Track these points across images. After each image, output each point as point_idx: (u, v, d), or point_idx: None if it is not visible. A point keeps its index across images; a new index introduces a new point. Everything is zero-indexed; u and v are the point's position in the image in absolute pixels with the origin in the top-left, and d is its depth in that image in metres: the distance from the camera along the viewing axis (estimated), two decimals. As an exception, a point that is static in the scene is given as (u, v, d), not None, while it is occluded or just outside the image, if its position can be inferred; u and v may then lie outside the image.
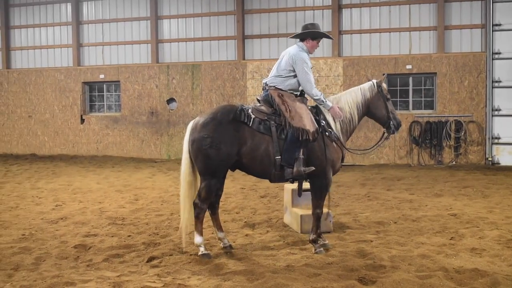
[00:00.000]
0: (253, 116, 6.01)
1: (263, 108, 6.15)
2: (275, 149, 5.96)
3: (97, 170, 14.19)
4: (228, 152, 5.90)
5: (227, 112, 5.99)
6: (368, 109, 6.48)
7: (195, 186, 6.14)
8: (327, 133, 6.13)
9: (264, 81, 6.36)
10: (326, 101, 6.19)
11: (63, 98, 18.36)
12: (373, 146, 6.91)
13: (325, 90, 15.39)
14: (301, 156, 5.94)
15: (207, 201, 6.05)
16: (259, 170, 6.10)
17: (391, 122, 6.45)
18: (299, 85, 6.20)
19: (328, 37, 6.54)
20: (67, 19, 18.62)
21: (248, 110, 6.05)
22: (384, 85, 6.59)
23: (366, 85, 6.51)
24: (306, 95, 6.27)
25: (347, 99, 6.39)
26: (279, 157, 5.95)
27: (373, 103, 6.46)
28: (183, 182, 6.11)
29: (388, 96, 6.54)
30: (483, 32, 14.68)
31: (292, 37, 6.49)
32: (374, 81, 6.55)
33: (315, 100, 6.19)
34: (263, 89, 6.37)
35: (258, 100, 6.35)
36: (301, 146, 5.94)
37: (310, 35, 6.31)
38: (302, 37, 6.33)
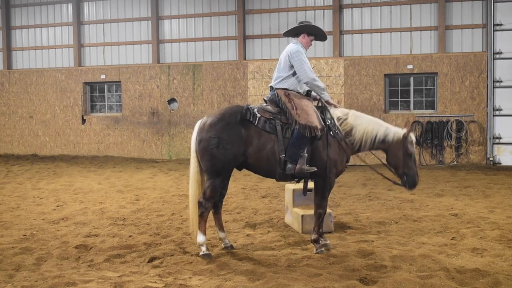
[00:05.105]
0: (258, 115, 6.06)
1: (269, 107, 6.20)
2: (280, 148, 5.98)
3: (98, 171, 14.19)
4: (235, 153, 5.95)
5: (234, 113, 6.05)
6: (386, 153, 6.22)
7: (204, 185, 6.18)
8: (331, 133, 6.14)
9: (270, 85, 6.44)
10: (325, 92, 6.20)
11: (64, 98, 18.37)
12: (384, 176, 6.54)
13: (326, 90, 15.37)
14: (306, 154, 5.95)
15: (212, 200, 6.08)
16: (265, 169, 6.13)
17: (404, 178, 6.14)
18: (299, 81, 6.22)
19: (323, 34, 6.54)
20: (68, 20, 18.63)
21: (254, 109, 6.12)
22: (412, 138, 6.16)
23: (393, 128, 6.23)
24: (304, 82, 6.17)
25: (367, 127, 6.15)
26: (284, 155, 5.97)
27: (391, 151, 6.15)
28: (192, 182, 6.16)
29: (410, 151, 6.08)
30: (484, 32, 14.67)
31: (287, 32, 6.48)
32: (404, 130, 6.16)
33: (314, 86, 6.13)
34: (270, 90, 6.43)
35: (265, 101, 6.39)
36: (306, 143, 5.95)
37: (306, 29, 6.37)
38: (297, 31, 6.39)
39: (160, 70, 17.27)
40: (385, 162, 6.38)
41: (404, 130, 6.16)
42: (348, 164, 6.50)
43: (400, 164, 6.15)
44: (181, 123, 17.05)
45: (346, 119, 6.22)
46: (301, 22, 6.47)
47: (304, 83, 6.19)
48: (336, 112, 6.31)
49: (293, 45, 6.30)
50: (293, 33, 6.44)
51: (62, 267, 5.67)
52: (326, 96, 6.25)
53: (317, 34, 6.49)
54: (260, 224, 7.64)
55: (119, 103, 18.09)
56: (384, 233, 7.00)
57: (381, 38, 15.59)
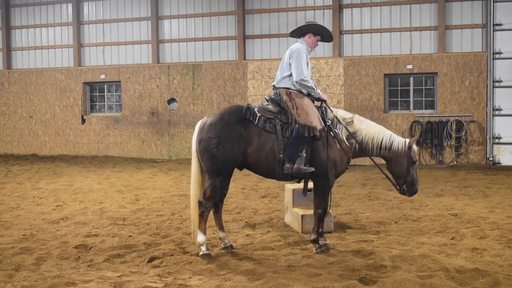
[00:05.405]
0: (258, 115, 6.07)
1: (269, 107, 6.20)
2: (280, 147, 5.98)
3: (98, 171, 14.19)
4: (234, 152, 5.96)
5: (234, 113, 6.06)
6: (388, 161, 6.26)
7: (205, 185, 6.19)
8: (332, 133, 6.13)
9: (273, 84, 6.44)
10: (316, 89, 6.18)
11: (64, 98, 18.37)
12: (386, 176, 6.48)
13: (326, 90, 15.39)
14: (304, 154, 5.95)
15: (212, 200, 6.10)
16: (265, 169, 6.13)
17: (404, 186, 6.22)
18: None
19: (329, 35, 6.51)
20: (67, 19, 18.62)
21: (254, 108, 6.12)
22: (415, 148, 6.25)
23: (397, 137, 6.26)
24: (295, 81, 6.12)
25: (373, 132, 6.18)
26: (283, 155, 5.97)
27: (396, 159, 6.17)
28: (193, 182, 6.19)
29: (414, 160, 6.20)
30: (483, 32, 14.67)
31: (293, 32, 6.43)
32: (407, 140, 6.23)
33: (303, 86, 6.10)
34: (273, 89, 6.41)
35: (267, 100, 6.38)
36: (305, 143, 5.95)
37: (311, 29, 6.33)
38: (303, 31, 6.36)
39: (160, 70, 17.27)
40: (379, 167, 6.37)
41: (408, 140, 6.20)
42: (349, 164, 6.49)
43: (404, 173, 6.20)
44: (181, 123, 17.05)
45: (352, 122, 6.22)
46: (308, 22, 6.45)
47: (295, 82, 6.15)
48: (341, 113, 6.30)
49: (298, 44, 6.28)
50: (299, 33, 6.39)
51: (62, 267, 5.67)
52: (317, 93, 6.22)
53: (323, 35, 6.44)
54: (260, 224, 7.64)
55: (119, 103, 18.09)
56: (384, 233, 7.00)
57: (381, 38, 15.59)
